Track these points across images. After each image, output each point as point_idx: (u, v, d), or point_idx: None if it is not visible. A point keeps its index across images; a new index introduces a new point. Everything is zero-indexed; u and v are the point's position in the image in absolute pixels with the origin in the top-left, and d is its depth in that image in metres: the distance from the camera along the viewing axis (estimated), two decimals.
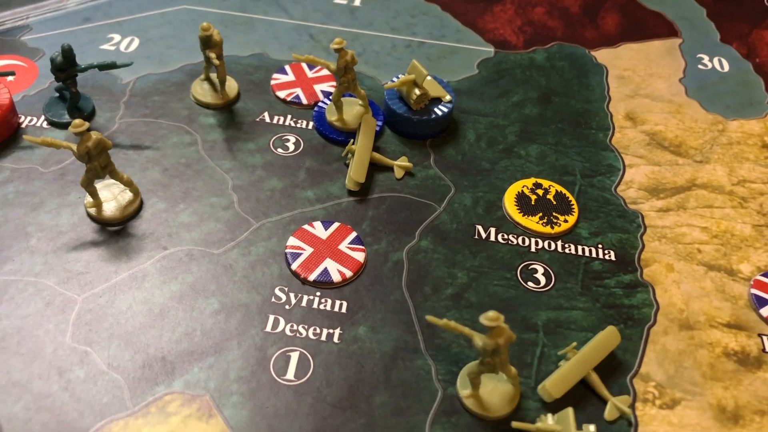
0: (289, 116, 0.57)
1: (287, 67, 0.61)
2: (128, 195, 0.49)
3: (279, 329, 0.44)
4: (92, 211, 0.48)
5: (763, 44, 0.70)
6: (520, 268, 0.48)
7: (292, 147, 0.55)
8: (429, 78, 0.56)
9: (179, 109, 0.57)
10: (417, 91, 0.55)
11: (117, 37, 0.62)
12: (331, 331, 0.44)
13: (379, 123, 0.56)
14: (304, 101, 0.58)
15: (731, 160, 0.57)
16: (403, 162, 0.54)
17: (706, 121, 0.61)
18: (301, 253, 0.47)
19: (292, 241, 0.48)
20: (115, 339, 0.42)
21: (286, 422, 0.40)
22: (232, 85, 0.58)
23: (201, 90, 0.57)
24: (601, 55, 0.66)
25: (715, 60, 0.67)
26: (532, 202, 0.52)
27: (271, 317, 0.44)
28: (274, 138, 0.55)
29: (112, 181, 0.49)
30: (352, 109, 0.56)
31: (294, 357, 0.42)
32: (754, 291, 0.48)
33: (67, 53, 0.51)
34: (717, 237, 0.51)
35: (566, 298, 0.47)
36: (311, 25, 0.66)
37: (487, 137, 0.57)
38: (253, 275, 0.46)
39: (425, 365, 0.43)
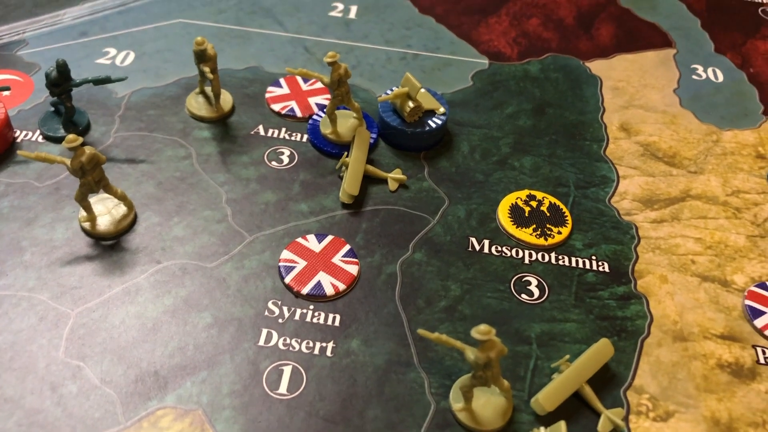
0: (283, 129, 0.57)
1: (282, 80, 0.61)
2: (122, 209, 0.49)
3: (272, 343, 0.44)
4: (86, 225, 0.48)
5: (757, 54, 0.70)
6: (513, 280, 0.48)
7: (286, 160, 0.55)
8: (423, 90, 0.57)
9: (174, 122, 0.57)
10: (410, 104, 0.55)
11: (113, 51, 0.63)
12: (324, 344, 0.44)
13: (373, 135, 0.56)
14: (299, 114, 0.58)
15: (725, 170, 0.57)
16: (397, 174, 0.54)
17: (701, 131, 0.61)
18: (294, 267, 0.47)
19: (286, 254, 0.48)
20: (108, 354, 0.42)
21: None
22: (226, 99, 0.58)
23: (196, 103, 0.57)
24: (596, 66, 0.67)
25: (710, 70, 0.67)
26: (526, 214, 0.52)
27: (264, 331, 0.44)
28: (268, 151, 0.55)
29: (107, 195, 0.49)
30: (347, 121, 0.56)
31: (287, 371, 0.42)
32: (748, 302, 0.48)
33: (62, 68, 0.52)
34: (711, 248, 0.51)
35: (560, 310, 0.47)
36: (306, 38, 0.66)
37: (481, 149, 0.57)
38: (246, 289, 0.46)
39: (418, 378, 0.43)
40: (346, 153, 0.54)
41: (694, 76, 0.66)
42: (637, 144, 0.59)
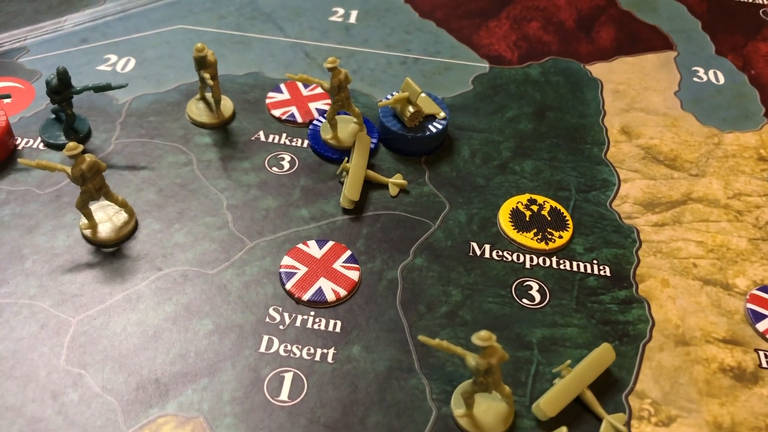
0: (284, 134, 0.57)
1: (282, 86, 0.61)
2: (123, 216, 0.49)
3: (273, 349, 0.44)
4: (87, 232, 0.48)
5: (758, 56, 0.70)
6: (514, 285, 0.48)
7: (287, 165, 0.55)
8: (423, 95, 0.56)
9: (175, 129, 0.57)
10: (411, 109, 0.55)
11: (113, 58, 0.63)
12: (325, 351, 0.44)
13: (374, 141, 0.56)
14: (299, 119, 0.58)
15: (727, 173, 0.57)
16: (397, 179, 0.54)
17: (702, 134, 0.61)
18: (295, 273, 0.47)
19: (287, 260, 0.48)
20: (109, 361, 0.42)
21: None
22: (227, 105, 0.58)
23: (196, 109, 0.58)
24: (596, 69, 0.67)
25: (711, 72, 0.67)
26: (527, 218, 0.52)
27: (265, 337, 0.44)
28: (269, 157, 0.55)
29: (108, 202, 0.49)
30: (347, 127, 0.56)
31: (288, 377, 0.42)
32: (750, 306, 0.48)
33: (63, 76, 0.52)
34: (713, 251, 0.51)
35: (561, 315, 0.47)
36: (306, 43, 0.66)
37: (481, 153, 0.57)
38: (247, 295, 0.46)
39: (419, 384, 0.43)
40: (346, 158, 0.54)
41: (695, 79, 0.66)
42: (638, 147, 0.59)
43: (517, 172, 0.56)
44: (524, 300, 0.47)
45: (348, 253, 0.49)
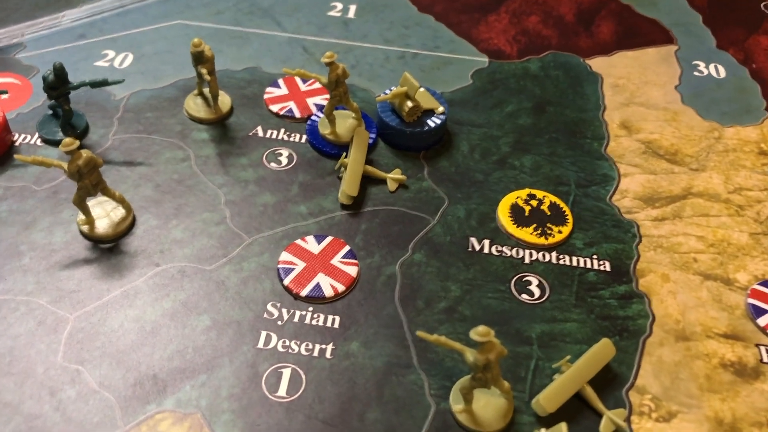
0: (282, 130, 0.57)
1: (280, 81, 0.61)
2: (121, 212, 0.49)
3: (271, 345, 0.43)
4: (85, 228, 0.48)
5: (759, 50, 0.69)
6: (514, 280, 0.48)
7: (285, 161, 0.54)
8: (421, 90, 0.56)
9: (172, 124, 0.57)
10: (409, 104, 0.55)
11: (111, 54, 0.63)
12: (323, 346, 0.44)
13: (372, 136, 0.56)
14: (297, 115, 0.58)
15: (727, 167, 0.57)
16: (396, 175, 0.53)
17: (702, 128, 0.60)
18: (293, 268, 0.47)
19: (285, 256, 0.48)
20: (107, 357, 0.42)
21: None
22: (225, 100, 0.58)
23: (194, 105, 0.57)
24: (596, 63, 0.66)
25: (711, 66, 0.67)
26: (526, 214, 0.52)
27: (263, 333, 0.44)
28: (267, 152, 0.55)
29: (105, 197, 0.49)
30: (345, 122, 0.56)
31: (286, 373, 0.42)
32: (751, 300, 0.47)
33: (59, 71, 0.51)
34: (713, 246, 0.51)
35: (560, 310, 0.46)
36: (304, 38, 0.66)
37: (480, 148, 0.57)
38: (245, 291, 0.46)
39: (418, 380, 0.42)
40: (344, 153, 0.54)
41: (696, 73, 0.66)
42: (638, 142, 0.59)
43: (516, 167, 0.56)
44: (524, 295, 0.47)
45: (346, 248, 0.48)
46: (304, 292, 0.46)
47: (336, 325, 0.45)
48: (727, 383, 0.43)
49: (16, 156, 0.46)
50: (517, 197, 0.53)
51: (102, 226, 0.48)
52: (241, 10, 0.68)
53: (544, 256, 0.49)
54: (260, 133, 0.56)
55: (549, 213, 0.52)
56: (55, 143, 0.54)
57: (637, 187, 0.55)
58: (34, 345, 0.43)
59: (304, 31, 0.67)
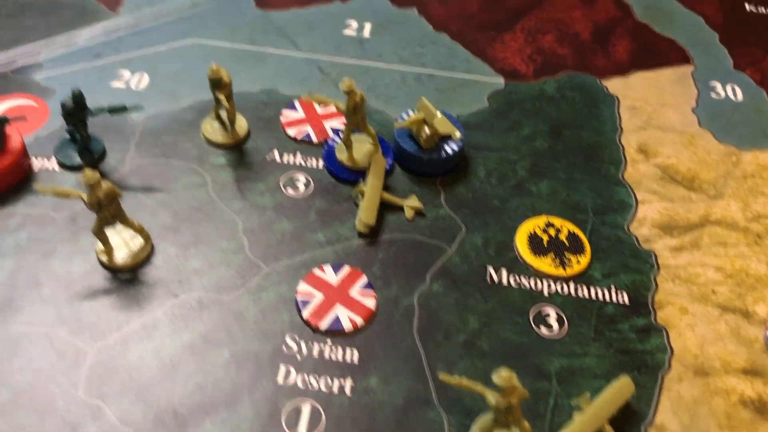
0: (298, 153, 0.57)
1: (296, 103, 0.60)
2: (139, 241, 0.49)
3: (290, 380, 0.43)
4: (104, 258, 0.48)
5: None
6: (532, 312, 0.48)
7: (302, 187, 0.54)
8: (439, 116, 0.56)
9: (190, 148, 0.57)
10: (427, 130, 0.54)
11: (127, 74, 0.63)
12: (342, 381, 0.44)
13: (389, 162, 0.55)
14: (315, 140, 0.57)
15: (746, 194, 0.57)
16: (413, 202, 0.53)
17: (719, 152, 0.60)
18: (311, 300, 0.47)
19: (303, 287, 0.48)
20: (127, 392, 0.42)
21: None
22: (242, 124, 0.58)
23: (211, 129, 0.57)
24: (613, 84, 0.66)
25: (728, 88, 0.66)
26: (545, 243, 0.51)
27: (283, 367, 0.44)
28: (283, 177, 0.55)
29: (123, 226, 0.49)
30: (362, 147, 0.56)
31: (305, 410, 0.42)
32: None
33: (78, 98, 0.51)
34: (732, 277, 0.51)
35: (579, 344, 0.46)
36: (320, 58, 0.66)
37: (497, 173, 0.57)
38: (263, 323, 0.46)
39: (438, 417, 0.42)
40: (361, 179, 0.54)
41: (713, 94, 0.66)
42: (655, 167, 0.58)
43: (533, 193, 0.56)
44: (542, 328, 0.47)
45: (364, 279, 0.48)
46: (323, 326, 0.46)
47: (355, 360, 0.45)
48: (747, 421, 0.43)
49: (36, 186, 0.46)
50: (536, 226, 0.53)
51: (121, 255, 0.48)
52: (257, 30, 0.68)
53: (562, 287, 0.49)
54: (277, 158, 0.56)
55: (567, 243, 0.52)
56: (72, 168, 0.54)
57: (655, 214, 0.55)
58: (55, 378, 0.43)
59: (319, 50, 0.67)
